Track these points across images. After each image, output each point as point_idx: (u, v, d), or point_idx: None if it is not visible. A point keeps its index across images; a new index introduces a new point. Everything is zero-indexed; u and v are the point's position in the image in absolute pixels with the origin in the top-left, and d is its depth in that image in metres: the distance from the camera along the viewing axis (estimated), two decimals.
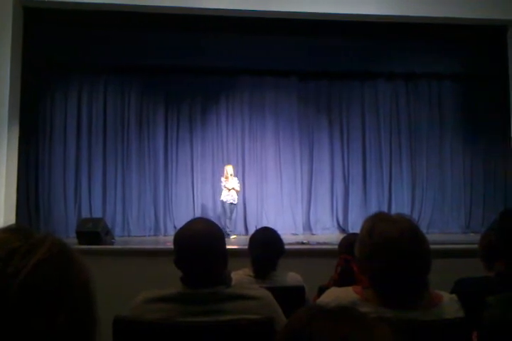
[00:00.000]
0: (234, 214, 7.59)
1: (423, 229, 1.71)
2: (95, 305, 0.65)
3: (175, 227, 7.50)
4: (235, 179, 7.53)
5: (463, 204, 8.45)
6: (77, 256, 0.66)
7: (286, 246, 2.68)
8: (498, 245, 1.87)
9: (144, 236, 7.78)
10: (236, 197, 7.50)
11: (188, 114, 8.32)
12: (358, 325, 0.65)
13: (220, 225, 1.88)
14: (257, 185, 8.27)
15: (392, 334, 0.66)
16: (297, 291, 2.36)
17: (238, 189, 7.54)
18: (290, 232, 7.72)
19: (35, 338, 0.58)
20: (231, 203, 7.45)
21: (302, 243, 6.21)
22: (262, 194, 8.27)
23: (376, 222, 1.37)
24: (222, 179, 7.51)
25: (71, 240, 5.15)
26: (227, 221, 7.40)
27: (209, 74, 8.21)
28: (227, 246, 1.67)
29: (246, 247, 2.64)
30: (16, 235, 0.63)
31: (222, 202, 7.51)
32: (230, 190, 7.41)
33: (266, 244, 2.53)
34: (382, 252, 1.31)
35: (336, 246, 2.55)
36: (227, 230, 7.11)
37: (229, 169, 7.52)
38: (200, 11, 6.75)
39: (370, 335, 0.64)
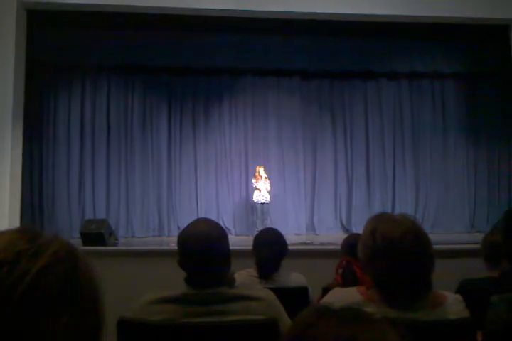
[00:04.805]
0: (267, 214, 7.51)
1: (427, 229, 1.71)
2: (102, 306, 0.65)
3: (178, 228, 7.50)
4: (267, 181, 7.56)
5: (467, 203, 8.42)
6: (85, 258, 0.66)
7: (290, 247, 2.68)
8: (504, 244, 1.87)
9: (148, 237, 7.79)
10: (268, 196, 7.52)
11: (191, 114, 8.33)
12: (364, 325, 0.65)
13: (223, 226, 1.88)
14: None
15: (397, 335, 0.66)
16: (301, 292, 2.35)
17: (268, 189, 7.54)
18: (293, 232, 7.70)
19: (42, 340, 0.58)
20: (263, 203, 7.48)
21: (305, 243, 6.22)
22: None
23: (379, 222, 1.37)
24: (253, 180, 7.60)
25: (75, 241, 5.13)
26: (258, 221, 7.39)
27: (212, 74, 8.22)
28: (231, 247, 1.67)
29: (249, 248, 2.64)
30: (23, 237, 0.63)
31: (254, 203, 7.57)
32: (261, 190, 7.47)
33: (270, 245, 2.53)
34: (385, 253, 1.31)
35: (340, 247, 2.55)
36: (256, 230, 7.02)
37: (260, 170, 7.57)
38: (203, 12, 6.75)
39: (376, 335, 0.64)
